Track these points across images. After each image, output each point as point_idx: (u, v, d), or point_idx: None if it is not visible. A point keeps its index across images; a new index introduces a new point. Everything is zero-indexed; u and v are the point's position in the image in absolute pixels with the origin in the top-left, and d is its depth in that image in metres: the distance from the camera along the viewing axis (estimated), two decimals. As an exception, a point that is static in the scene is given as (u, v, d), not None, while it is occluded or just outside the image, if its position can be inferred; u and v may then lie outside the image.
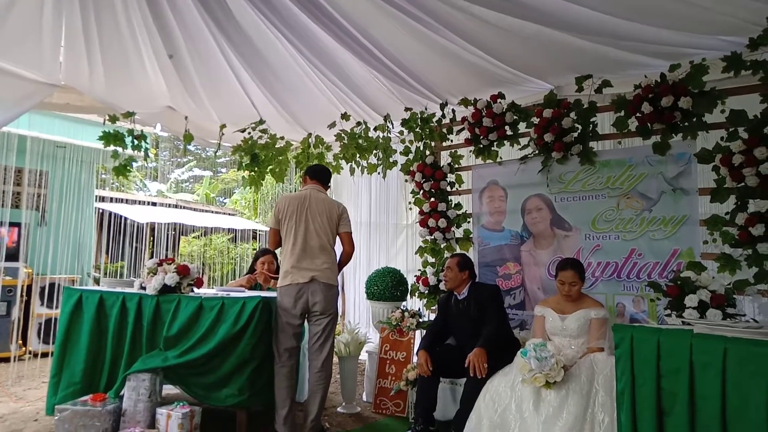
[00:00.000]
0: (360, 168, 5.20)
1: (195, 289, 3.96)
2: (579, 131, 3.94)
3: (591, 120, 3.92)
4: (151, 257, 6.40)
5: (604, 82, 3.78)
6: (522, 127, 4.30)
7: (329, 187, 3.99)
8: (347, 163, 5.24)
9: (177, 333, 3.61)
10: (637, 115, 3.58)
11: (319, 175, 3.86)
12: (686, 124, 3.46)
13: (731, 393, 1.90)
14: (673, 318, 3.08)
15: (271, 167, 5.40)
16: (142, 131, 5.09)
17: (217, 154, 6.24)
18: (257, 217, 13.01)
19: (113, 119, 4.90)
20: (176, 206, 11.86)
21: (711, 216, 3.35)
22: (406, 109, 4.82)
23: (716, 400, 1.92)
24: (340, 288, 6.58)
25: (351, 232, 3.71)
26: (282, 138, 5.48)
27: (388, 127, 5.01)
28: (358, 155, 5.16)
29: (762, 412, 1.78)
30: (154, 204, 11.31)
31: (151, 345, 3.69)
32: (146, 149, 5.12)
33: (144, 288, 3.83)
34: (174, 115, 5.44)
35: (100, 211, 8.78)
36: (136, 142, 5.04)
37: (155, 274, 3.85)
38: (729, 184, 3.26)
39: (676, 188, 3.60)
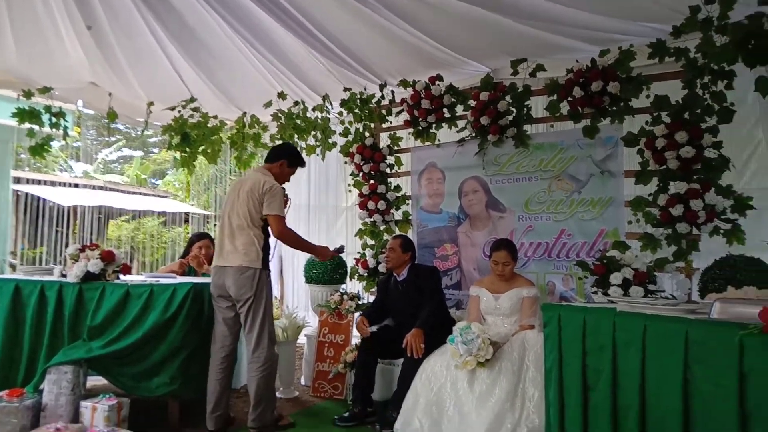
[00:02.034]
0: (299, 149, 5.09)
1: (121, 276, 3.77)
2: (514, 114, 4.01)
3: (525, 103, 4.00)
4: (75, 242, 6.04)
5: (538, 66, 3.86)
6: (459, 109, 4.34)
7: (280, 162, 3.49)
8: (284, 144, 5.12)
9: (102, 322, 3.44)
10: (569, 99, 3.68)
11: (269, 154, 3.59)
12: (614, 108, 3.58)
13: (650, 369, 2.00)
14: (599, 295, 3.22)
15: (203, 147, 5.20)
16: (60, 108, 4.75)
17: (149, 133, 5.94)
18: (191, 199, 12.57)
19: (28, 95, 4.55)
20: (103, 188, 11.26)
21: (635, 197, 3.50)
22: (345, 90, 4.75)
23: (636, 376, 2.03)
24: (278, 272, 6.50)
25: (277, 215, 3.26)
26: (215, 117, 5.28)
27: (326, 107, 4.93)
28: (296, 136, 5.05)
29: (677, 386, 1.89)
30: (77, 186, 10.68)
31: (74, 335, 3.50)
32: (65, 127, 4.79)
33: (65, 276, 3.61)
34: (97, 92, 5.13)
35: (18, 193, 8.19)
36: (54, 119, 4.70)
37: (77, 260, 3.64)
38: (652, 167, 3.41)
39: (603, 171, 3.74)
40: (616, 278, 3.13)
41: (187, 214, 11.26)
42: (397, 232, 4.65)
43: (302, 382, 4.67)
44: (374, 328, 3.83)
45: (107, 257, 3.64)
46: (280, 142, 5.14)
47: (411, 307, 3.69)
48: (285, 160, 3.53)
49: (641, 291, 3.05)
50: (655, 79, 3.49)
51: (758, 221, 3.51)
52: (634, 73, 3.49)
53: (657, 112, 3.40)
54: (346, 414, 3.58)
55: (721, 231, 3.22)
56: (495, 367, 3.01)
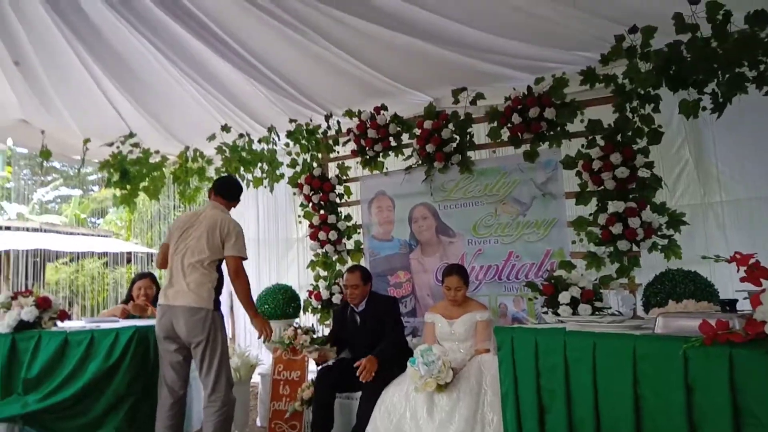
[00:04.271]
0: (245, 182, 5.01)
1: (59, 323, 3.56)
2: (458, 141, 4.09)
3: (468, 131, 4.09)
4: (8, 289, 5.68)
5: (477, 95, 3.97)
6: (405, 138, 4.39)
7: (237, 202, 3.50)
8: (230, 178, 5.02)
9: (38, 374, 3.24)
10: (509, 125, 3.80)
11: (222, 188, 3.42)
12: (551, 133, 3.72)
13: (601, 385, 2.03)
14: (549, 315, 3.28)
15: (144, 184, 5.02)
16: (-12, 148, 4.50)
17: (87, 170, 5.71)
18: (134, 237, 12.09)
19: (-50, 135, 4.30)
20: (39, 230, 10.68)
21: (577, 218, 3.62)
22: (291, 121, 4.73)
23: (589, 393, 2.05)
24: (229, 309, 6.29)
25: (239, 256, 3.15)
26: (157, 152, 5.13)
27: (272, 139, 4.89)
28: (242, 168, 4.96)
29: (628, 401, 1.92)
30: (8, 228, 10.08)
31: (7, 390, 3.28)
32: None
33: (-5, 326, 3.37)
34: (28, 129, 4.91)
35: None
36: (-20, 160, 4.44)
37: (9, 309, 3.42)
38: (591, 188, 3.55)
39: (545, 193, 3.86)
40: (564, 297, 3.20)
41: (130, 253, 10.79)
42: (350, 262, 4.61)
43: (258, 423, 4.49)
44: (330, 362, 3.74)
45: (42, 304, 3.44)
46: (226, 174, 5.05)
47: (370, 338, 3.63)
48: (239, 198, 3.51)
49: (589, 309, 3.12)
50: (588, 105, 3.66)
51: (691, 236, 3.70)
52: (568, 99, 3.65)
53: (591, 136, 3.55)
54: (305, 453, 3.46)
55: (659, 246, 3.37)
56: (453, 394, 2.99)
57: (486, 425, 2.88)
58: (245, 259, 3.22)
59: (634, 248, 3.40)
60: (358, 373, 3.29)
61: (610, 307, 3.26)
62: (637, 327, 2.18)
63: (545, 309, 3.34)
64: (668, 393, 1.83)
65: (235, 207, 3.47)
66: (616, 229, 3.34)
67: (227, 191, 3.43)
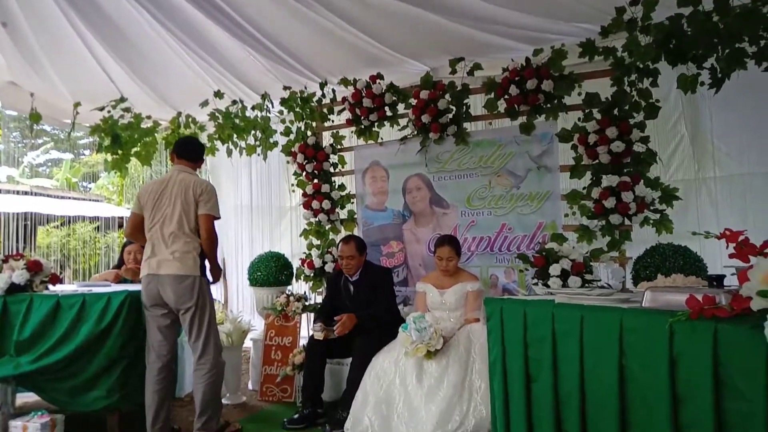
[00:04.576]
0: (238, 149, 4.96)
1: (51, 287, 3.56)
2: (454, 112, 4.05)
3: (464, 102, 4.05)
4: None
5: (475, 65, 3.91)
6: (401, 108, 4.34)
7: (202, 162, 3.53)
8: (223, 144, 4.97)
9: (30, 336, 3.25)
10: (506, 97, 3.76)
11: (186, 150, 3.37)
12: (548, 105, 3.69)
13: (588, 358, 2.06)
14: (539, 286, 3.31)
15: (136, 149, 4.96)
16: (-25, 110, 4.42)
17: (78, 134, 5.63)
18: (126, 203, 12.02)
19: (-62, 96, 4.21)
20: (29, 193, 10.58)
21: (571, 191, 3.63)
22: (285, 88, 4.66)
23: (576, 365, 2.08)
24: (222, 276, 6.31)
25: (211, 215, 3.17)
26: (149, 117, 5.05)
27: (266, 106, 4.82)
28: (235, 136, 4.91)
29: (614, 374, 1.95)
30: (-1, 191, 10.01)
31: (0, 351, 3.27)
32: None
33: (-13, 289, 3.36)
34: (18, 92, 4.81)
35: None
36: (-33, 122, 4.37)
37: (0, 272, 3.41)
38: (586, 161, 3.55)
39: (540, 166, 3.85)
40: (555, 269, 3.22)
41: (121, 218, 10.74)
42: (343, 232, 4.62)
43: (249, 386, 4.57)
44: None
45: (34, 267, 3.43)
46: (218, 142, 5.00)
47: (363, 308, 3.68)
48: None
49: (579, 281, 3.15)
50: (586, 77, 3.62)
51: (684, 211, 3.73)
52: (567, 72, 3.61)
53: (588, 109, 3.53)
54: (296, 416, 3.53)
55: (651, 221, 3.39)
56: (443, 361, 3.05)
57: (474, 392, 2.94)
58: (218, 218, 3.24)
59: (626, 222, 3.42)
60: (335, 327, 3.50)
61: (600, 280, 3.30)
62: (625, 300, 2.20)
63: (535, 281, 3.36)
64: (653, 366, 1.85)
65: (200, 167, 3.46)
66: (609, 203, 3.35)
67: (190, 152, 3.39)
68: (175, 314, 3.17)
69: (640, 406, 1.91)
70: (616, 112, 3.43)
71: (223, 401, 4.10)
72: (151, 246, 3.18)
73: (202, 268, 3.20)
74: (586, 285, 3.13)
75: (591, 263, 3.32)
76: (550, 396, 2.18)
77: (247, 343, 4.58)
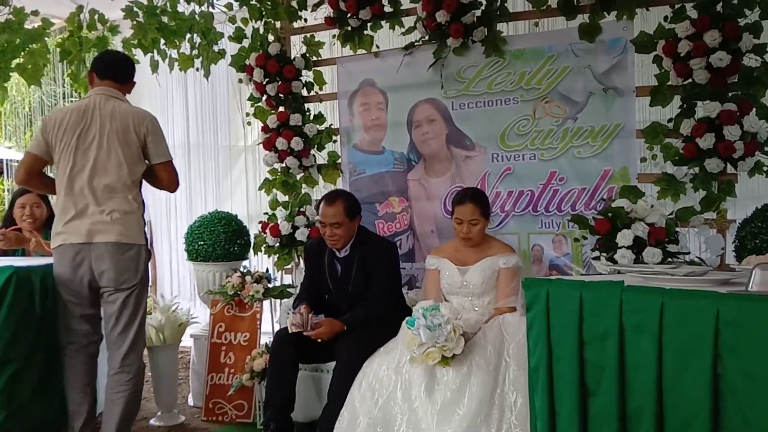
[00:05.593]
0: (167, 61, 4.90)
1: None
2: (483, 8, 4.00)
3: (499, -9, 4.00)
4: None
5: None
6: (405, 2, 4.30)
7: (133, 85, 3.58)
8: (146, 54, 4.90)
9: None
10: (559, -16, 3.72)
11: (111, 69, 3.42)
12: (621, -3, 3.64)
13: (668, 361, 2.08)
14: (602, 262, 3.34)
15: (18, 62, 4.90)
16: None
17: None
18: (6, 139, 11.97)
19: None
20: None
21: (650, 124, 3.62)
22: (237, -31, 4.58)
23: (651, 371, 2.10)
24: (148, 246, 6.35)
25: (169, 160, 3.39)
26: (35, 13, 4.96)
27: (208, -3, 4.75)
28: (162, 41, 4.84)
29: (705, 382, 1.98)
30: None
31: None
32: None
33: None
34: None
35: None
36: None
37: None
38: (673, 82, 3.52)
39: (607, 87, 3.82)
40: (625, 238, 3.24)
41: (1, 161, 10.75)
42: (322, 184, 4.64)
43: (190, 402, 4.65)
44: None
45: None
46: (138, 51, 4.93)
47: (351, 295, 3.71)
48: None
49: (659, 254, 3.18)
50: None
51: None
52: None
53: (680, 4, 3.48)
54: (255, 444, 3.61)
55: (765, 168, 3.39)
56: (464, 367, 3.06)
57: (506, 409, 2.98)
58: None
59: (730, 169, 3.42)
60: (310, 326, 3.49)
61: (689, 252, 3.33)
62: (724, 282, 2.22)
63: (597, 254, 3.39)
64: (761, 375, 1.88)
65: (130, 93, 3.52)
66: (706, 141, 3.34)
67: (119, 70, 3.46)
68: (100, 297, 3.28)
69: (740, 427, 1.95)
70: (719, 8, 3.38)
71: (152, 422, 4.20)
72: (73, 203, 3.20)
73: (146, 234, 3.34)
74: (669, 260, 3.15)
75: (677, 229, 3.34)
76: (614, 414, 2.22)
77: (186, 341, 4.64)
